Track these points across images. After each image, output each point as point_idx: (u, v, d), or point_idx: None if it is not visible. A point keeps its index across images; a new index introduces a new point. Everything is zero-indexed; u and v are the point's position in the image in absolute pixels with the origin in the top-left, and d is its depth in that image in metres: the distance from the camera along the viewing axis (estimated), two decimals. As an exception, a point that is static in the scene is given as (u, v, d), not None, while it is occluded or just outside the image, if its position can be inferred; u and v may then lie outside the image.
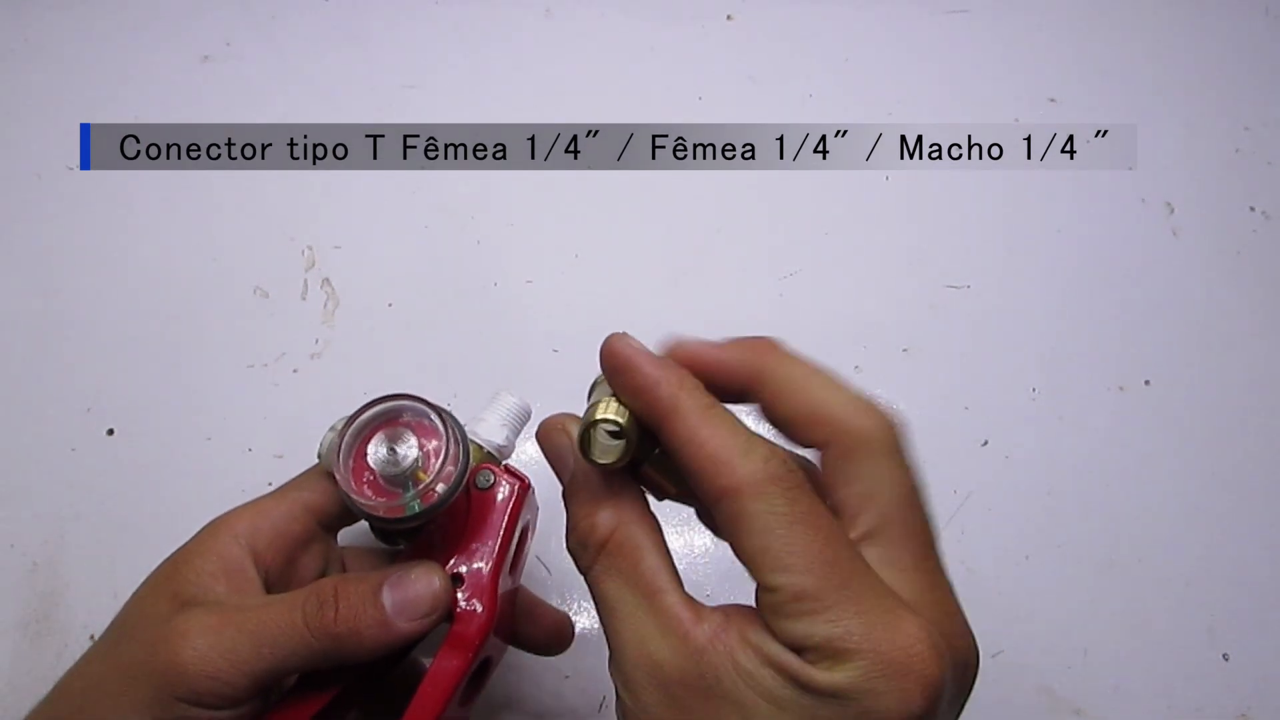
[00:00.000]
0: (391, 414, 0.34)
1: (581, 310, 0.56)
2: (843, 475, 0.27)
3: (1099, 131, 0.62)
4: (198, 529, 0.36)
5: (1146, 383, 0.55)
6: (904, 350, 0.56)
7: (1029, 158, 0.62)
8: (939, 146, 0.62)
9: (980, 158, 0.62)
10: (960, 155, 0.62)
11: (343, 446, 0.33)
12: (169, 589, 0.33)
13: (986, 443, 0.53)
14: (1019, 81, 0.64)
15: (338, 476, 0.33)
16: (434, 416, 0.34)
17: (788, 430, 0.29)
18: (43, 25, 0.65)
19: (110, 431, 0.53)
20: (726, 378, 0.29)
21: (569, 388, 0.53)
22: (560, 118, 0.61)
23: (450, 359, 0.55)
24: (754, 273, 0.58)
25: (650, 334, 0.60)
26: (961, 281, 0.58)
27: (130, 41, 0.64)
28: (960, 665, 0.26)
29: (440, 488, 0.33)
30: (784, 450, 0.27)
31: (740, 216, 0.60)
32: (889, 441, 0.27)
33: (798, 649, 0.25)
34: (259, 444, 0.52)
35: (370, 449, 0.34)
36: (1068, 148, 0.62)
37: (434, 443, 0.34)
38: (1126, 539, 0.51)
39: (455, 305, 0.56)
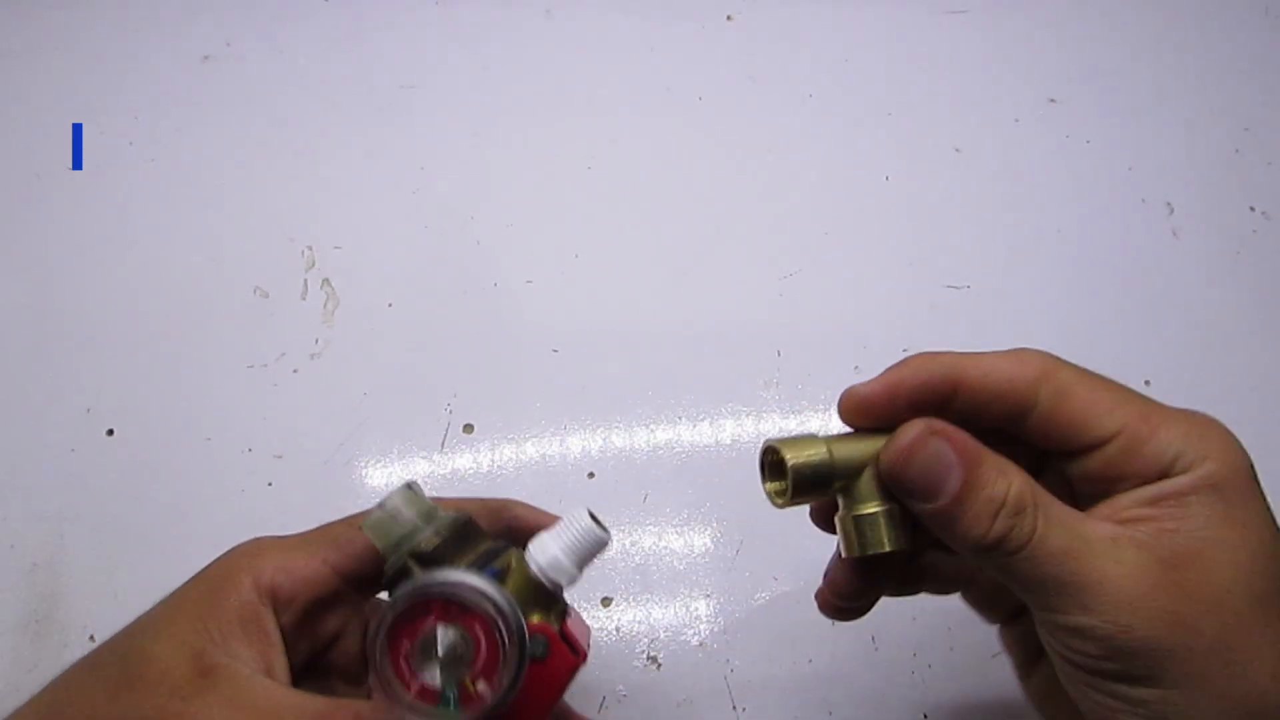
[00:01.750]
0: (444, 596, 0.30)
1: (581, 310, 0.56)
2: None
3: (1099, 131, 0.62)
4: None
5: (1146, 383, 0.55)
6: (904, 350, 0.55)
7: (1029, 158, 0.62)
8: (939, 147, 0.62)
9: (980, 157, 0.62)
10: (960, 155, 0.62)
11: (383, 627, 0.30)
12: (191, 645, 0.32)
13: (986, 443, 0.53)
14: (1019, 81, 0.64)
15: (372, 656, 0.30)
16: (494, 613, 0.29)
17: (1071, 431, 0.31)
18: (43, 25, 0.65)
19: (110, 432, 0.53)
20: (1007, 384, 0.31)
21: (569, 387, 0.54)
22: (560, 118, 0.62)
23: (450, 359, 0.55)
24: (754, 273, 0.58)
25: (650, 334, 0.60)
26: (961, 281, 0.58)
27: (130, 41, 0.64)
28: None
29: (487, 695, 0.29)
30: None
31: (740, 216, 0.60)
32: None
33: (1165, 469, 0.29)
34: (259, 444, 0.52)
35: (413, 642, 0.30)
36: (1068, 148, 0.62)
37: (486, 640, 0.30)
38: (1126, 539, 0.51)
39: (455, 305, 0.56)
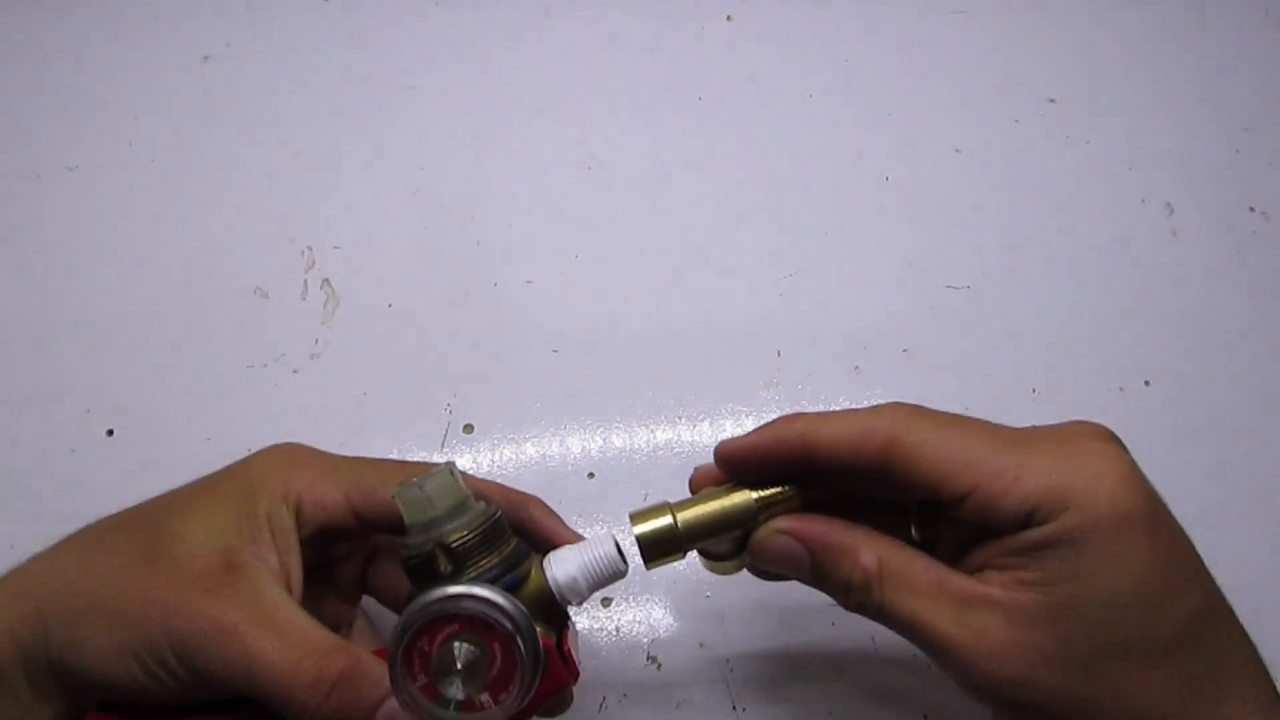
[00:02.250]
0: (470, 615, 0.30)
1: (581, 310, 0.56)
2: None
3: (1099, 131, 0.62)
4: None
5: (1146, 383, 0.55)
6: (904, 350, 0.56)
7: (1029, 158, 0.62)
8: (939, 147, 0.62)
9: (980, 157, 0.62)
10: (960, 155, 0.62)
11: (406, 635, 0.30)
12: (223, 539, 0.32)
13: (986, 443, 0.53)
14: (1019, 81, 0.64)
15: (392, 656, 0.30)
16: (513, 632, 0.30)
17: (931, 487, 0.31)
18: (43, 25, 0.65)
19: (110, 432, 0.53)
20: (854, 449, 0.31)
21: (569, 387, 0.54)
22: (560, 118, 0.62)
23: (450, 359, 0.55)
24: (754, 273, 0.58)
25: (650, 334, 0.60)
26: (961, 281, 0.58)
27: (130, 41, 0.64)
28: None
29: (489, 705, 0.30)
30: None
31: (740, 216, 0.60)
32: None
33: (1026, 521, 0.29)
34: (259, 444, 0.51)
35: (431, 648, 0.30)
36: (1068, 148, 0.62)
37: (502, 655, 0.30)
38: (1126, 539, 0.51)
39: (455, 305, 0.56)
